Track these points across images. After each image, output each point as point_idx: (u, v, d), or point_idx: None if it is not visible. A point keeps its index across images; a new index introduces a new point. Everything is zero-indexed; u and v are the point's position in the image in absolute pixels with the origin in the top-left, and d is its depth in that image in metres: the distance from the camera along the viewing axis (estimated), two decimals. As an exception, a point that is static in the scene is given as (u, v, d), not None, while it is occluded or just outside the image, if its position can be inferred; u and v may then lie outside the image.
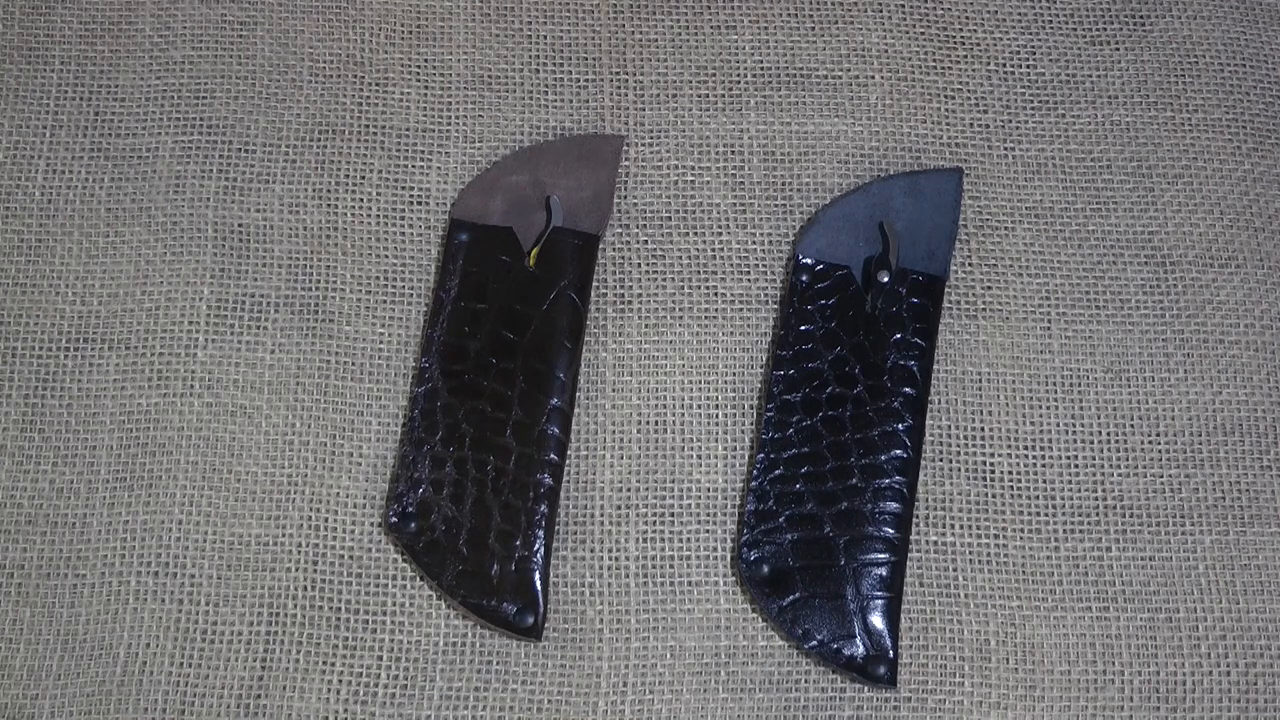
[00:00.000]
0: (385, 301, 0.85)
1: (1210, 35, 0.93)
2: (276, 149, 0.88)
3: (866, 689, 0.78)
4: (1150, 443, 0.83)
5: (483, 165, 0.88)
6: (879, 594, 0.78)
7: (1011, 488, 0.82)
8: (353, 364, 0.84)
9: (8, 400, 0.82)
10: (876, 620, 0.78)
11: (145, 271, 0.85)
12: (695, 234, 0.87)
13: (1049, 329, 0.85)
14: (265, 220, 0.87)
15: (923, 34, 0.92)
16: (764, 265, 0.86)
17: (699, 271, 0.86)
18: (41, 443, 0.82)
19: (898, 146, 0.89)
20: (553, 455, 0.80)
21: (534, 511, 0.79)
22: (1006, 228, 0.87)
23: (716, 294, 0.86)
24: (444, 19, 0.92)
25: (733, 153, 0.89)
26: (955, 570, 0.80)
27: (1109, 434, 0.83)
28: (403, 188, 0.88)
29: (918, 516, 0.81)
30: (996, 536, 0.81)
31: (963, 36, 0.92)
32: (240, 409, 0.82)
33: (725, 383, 0.84)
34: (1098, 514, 0.81)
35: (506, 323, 0.82)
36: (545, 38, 0.92)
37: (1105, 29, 0.93)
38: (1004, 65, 0.92)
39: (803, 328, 0.83)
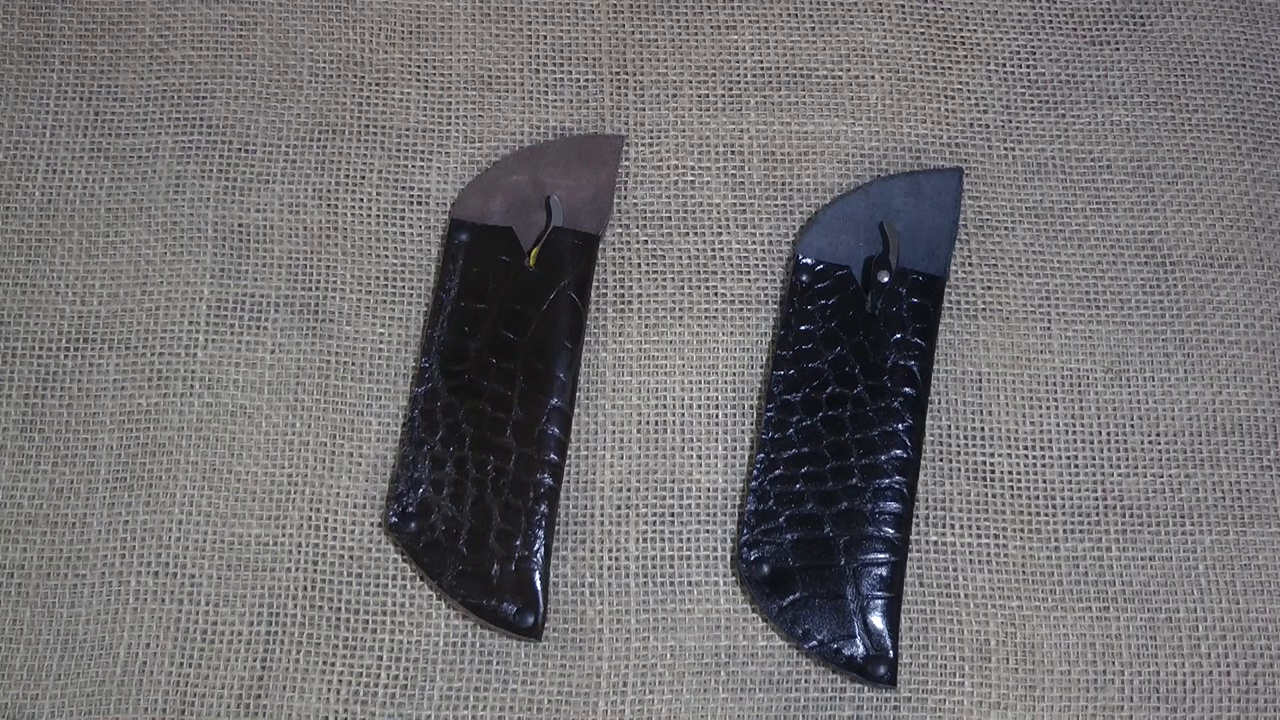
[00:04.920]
0: (385, 301, 0.85)
1: (1210, 35, 0.93)
2: (276, 149, 0.88)
3: (866, 689, 0.78)
4: (1150, 443, 0.83)
5: (483, 165, 0.88)
6: (879, 594, 0.78)
7: (1011, 488, 0.82)
8: (353, 364, 0.84)
9: (8, 400, 0.82)
10: (876, 620, 0.78)
11: (145, 271, 0.85)
12: (695, 234, 0.87)
13: (1049, 329, 0.85)
14: (265, 220, 0.87)
15: (923, 34, 0.92)
16: (764, 265, 0.86)
17: (699, 271, 0.86)
18: (41, 443, 0.82)
19: (898, 146, 0.89)
20: (553, 455, 0.80)
21: (534, 511, 0.79)
22: (1006, 228, 0.87)
23: (716, 294, 0.86)
24: (444, 19, 0.92)
25: (733, 153, 0.89)
26: (955, 570, 0.80)
27: (1109, 434, 0.83)
28: (403, 188, 0.88)
29: (918, 516, 0.81)
30: (996, 536, 0.81)
31: (963, 36, 0.92)
32: (240, 409, 0.82)
33: (725, 383, 0.84)
34: (1098, 514, 0.81)
35: (506, 323, 0.82)
36: (545, 38, 0.92)
37: (1105, 29, 0.93)
38: (1004, 65, 0.92)
39: (803, 328, 0.83)
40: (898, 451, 0.80)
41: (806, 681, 0.78)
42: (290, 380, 0.83)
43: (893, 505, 0.79)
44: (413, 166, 0.88)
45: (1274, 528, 0.81)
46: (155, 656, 0.78)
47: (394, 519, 0.79)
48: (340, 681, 0.78)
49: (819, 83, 0.91)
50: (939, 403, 0.83)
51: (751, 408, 0.83)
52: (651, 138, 0.89)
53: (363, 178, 0.88)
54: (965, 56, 0.92)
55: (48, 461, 0.81)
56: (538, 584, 0.78)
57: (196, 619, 0.78)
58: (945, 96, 0.91)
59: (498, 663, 0.78)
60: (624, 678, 0.78)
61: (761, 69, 0.91)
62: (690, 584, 0.80)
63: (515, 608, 0.77)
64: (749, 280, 0.86)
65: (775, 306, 0.85)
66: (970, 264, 0.87)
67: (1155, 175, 0.89)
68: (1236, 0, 0.94)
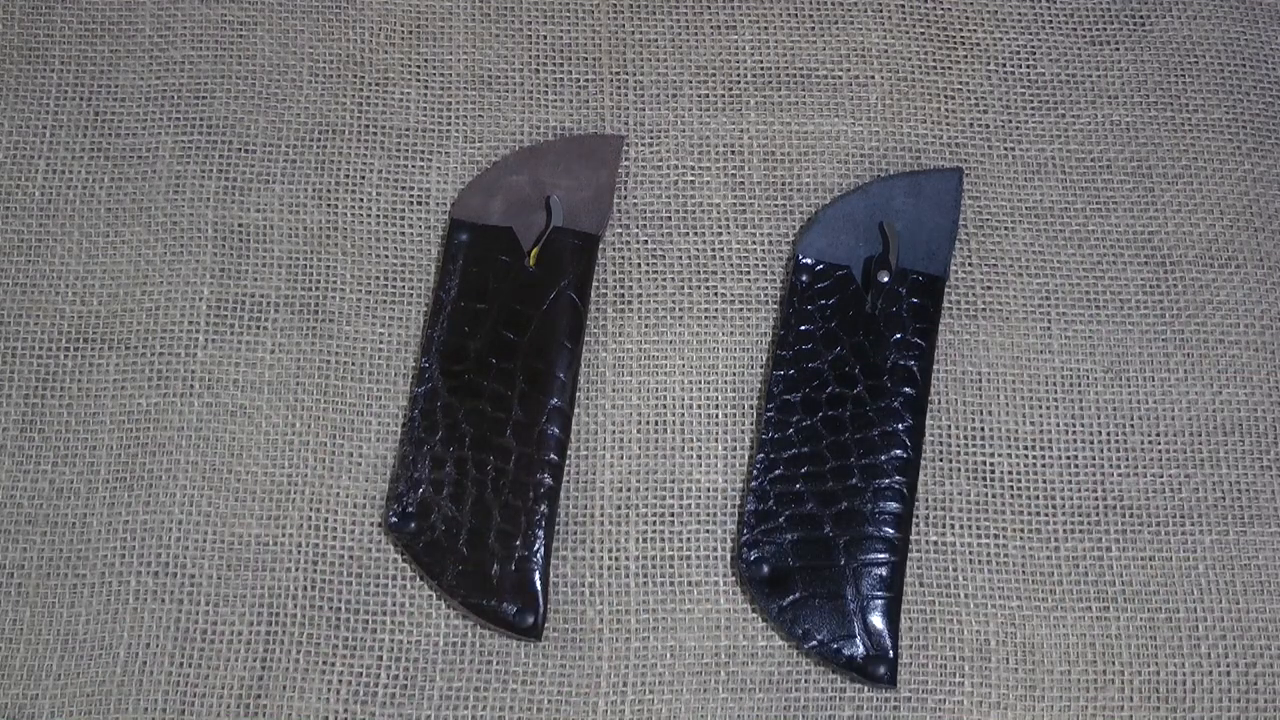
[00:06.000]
0: (385, 301, 0.85)
1: (1210, 35, 0.93)
2: (276, 149, 0.88)
3: (866, 689, 0.78)
4: (1150, 443, 0.83)
5: (483, 165, 0.88)
6: (879, 594, 0.78)
7: (1011, 488, 0.82)
8: (353, 364, 0.84)
9: (8, 400, 0.82)
10: (876, 620, 0.78)
11: (145, 271, 0.85)
12: (695, 234, 0.87)
13: (1049, 329, 0.85)
14: (265, 220, 0.87)
15: (923, 34, 0.92)
16: (764, 265, 0.86)
17: (699, 271, 0.86)
18: (41, 443, 0.82)
19: (898, 146, 0.89)
20: (553, 455, 0.80)
21: (534, 511, 0.79)
22: (1006, 228, 0.87)
23: (716, 294, 0.86)
24: (444, 19, 0.92)
25: (733, 153, 0.89)
26: (955, 570, 0.80)
27: (1109, 434, 0.83)
28: (403, 188, 0.88)
29: (918, 516, 0.81)
30: (996, 536, 0.81)
31: (963, 36, 0.92)
32: (240, 409, 0.82)
33: (725, 383, 0.84)
34: (1098, 514, 0.81)
35: (506, 323, 0.82)
36: (545, 38, 0.92)
37: (1105, 29, 0.93)
38: (1004, 65, 0.92)
39: (803, 328, 0.83)
40: (898, 451, 0.80)
41: (806, 681, 0.78)
42: (290, 380, 0.83)
43: (893, 505, 0.79)
44: (413, 166, 0.88)
45: (1274, 528, 0.81)
46: (155, 656, 0.78)
47: (394, 519, 0.79)
48: (340, 681, 0.78)
49: (819, 83, 0.91)
50: (939, 403, 0.83)
51: (751, 408, 0.83)
52: (651, 138, 0.89)
53: (363, 178, 0.88)
54: (965, 56, 0.92)
55: (48, 461, 0.81)
56: (538, 584, 0.78)
57: (196, 619, 0.78)
58: (945, 96, 0.91)
59: (498, 663, 0.78)
60: (624, 678, 0.78)
61: (761, 69, 0.91)
62: (690, 584, 0.80)
63: (515, 608, 0.77)
64: (749, 280, 0.86)
65: (775, 306, 0.85)
66: (970, 264, 0.87)
67: (1155, 175, 0.89)
68: (1236, 0, 0.94)
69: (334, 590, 0.79)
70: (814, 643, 0.77)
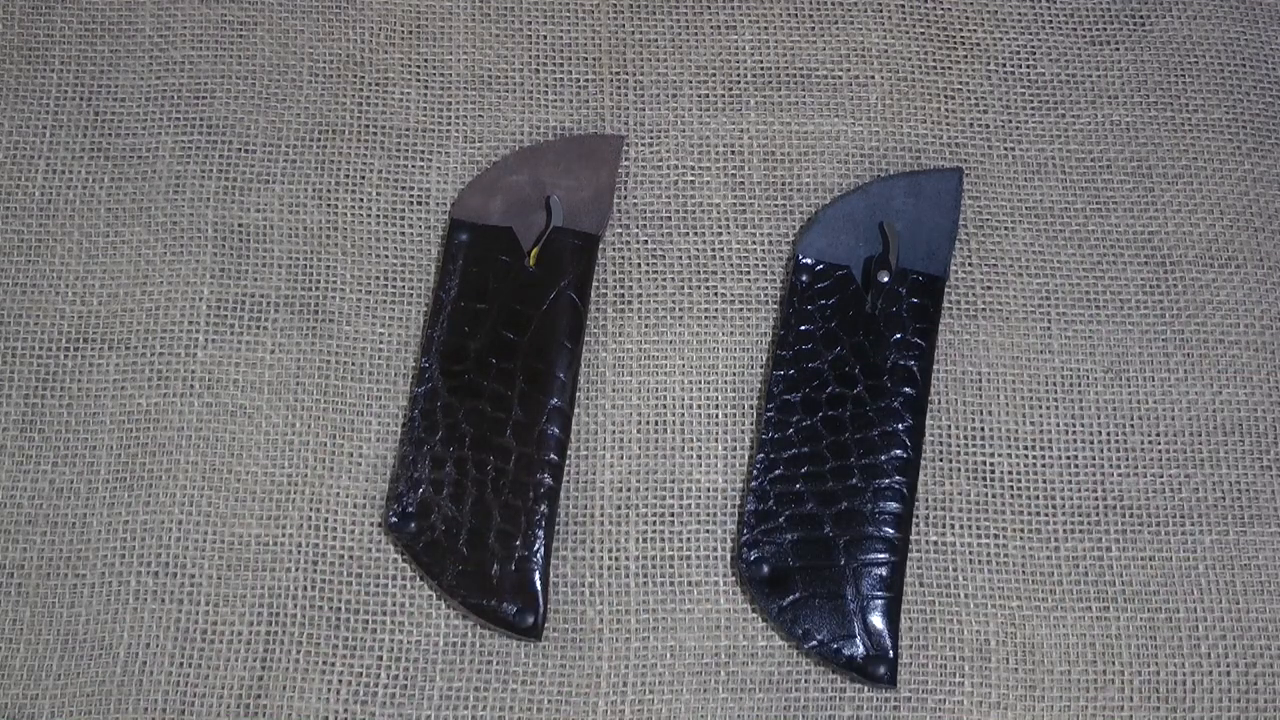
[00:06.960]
0: (385, 301, 0.85)
1: (1210, 35, 0.93)
2: (276, 149, 0.88)
3: (866, 689, 0.78)
4: (1150, 443, 0.83)
5: (483, 165, 0.88)
6: (879, 594, 0.78)
7: (1011, 488, 0.82)
8: (353, 364, 0.84)
9: (8, 400, 0.82)
10: (876, 620, 0.78)
11: (145, 271, 0.85)
12: (695, 234, 0.87)
13: (1049, 329, 0.85)
14: (265, 220, 0.87)
15: (923, 34, 0.92)
16: (764, 265, 0.86)
17: (699, 271, 0.86)
18: (41, 443, 0.82)
19: (898, 146, 0.89)
20: (553, 455, 0.80)
21: (534, 511, 0.79)
22: (1006, 228, 0.87)
23: (716, 294, 0.86)
24: (444, 19, 0.92)
25: (733, 153, 0.89)
26: (955, 570, 0.80)
27: (1109, 434, 0.83)
28: (403, 188, 0.88)
29: (918, 516, 0.81)
30: (996, 536, 0.81)
31: (963, 36, 0.92)
32: (240, 409, 0.82)
33: (725, 383, 0.84)
34: (1098, 514, 0.81)
35: (506, 323, 0.82)
36: (545, 38, 0.92)
37: (1105, 29, 0.93)
38: (1004, 65, 0.92)
39: (803, 328, 0.83)
40: (898, 451, 0.80)
41: (806, 681, 0.78)
42: (290, 380, 0.83)
43: (893, 505, 0.79)
44: (413, 166, 0.88)
45: (1274, 528, 0.81)
46: (155, 656, 0.78)
47: (394, 519, 0.79)
48: (340, 681, 0.78)
49: (819, 83, 0.91)
50: (939, 403, 0.83)
51: (751, 408, 0.83)
52: (651, 138, 0.89)
53: (363, 178, 0.88)
54: (965, 56, 0.92)
55: (48, 461, 0.81)
56: (538, 584, 0.78)
57: (196, 619, 0.79)
58: (945, 96, 0.91)
59: (498, 663, 0.78)
60: (624, 678, 0.78)
61: (761, 69, 0.91)
62: (690, 584, 0.80)
63: (515, 608, 0.77)
64: (749, 280, 0.86)
65: (775, 306, 0.85)
66: (970, 264, 0.87)
67: (1155, 175, 0.89)
68: (1236, 0, 0.94)
69: (334, 590, 0.79)
70: (814, 643, 0.77)
